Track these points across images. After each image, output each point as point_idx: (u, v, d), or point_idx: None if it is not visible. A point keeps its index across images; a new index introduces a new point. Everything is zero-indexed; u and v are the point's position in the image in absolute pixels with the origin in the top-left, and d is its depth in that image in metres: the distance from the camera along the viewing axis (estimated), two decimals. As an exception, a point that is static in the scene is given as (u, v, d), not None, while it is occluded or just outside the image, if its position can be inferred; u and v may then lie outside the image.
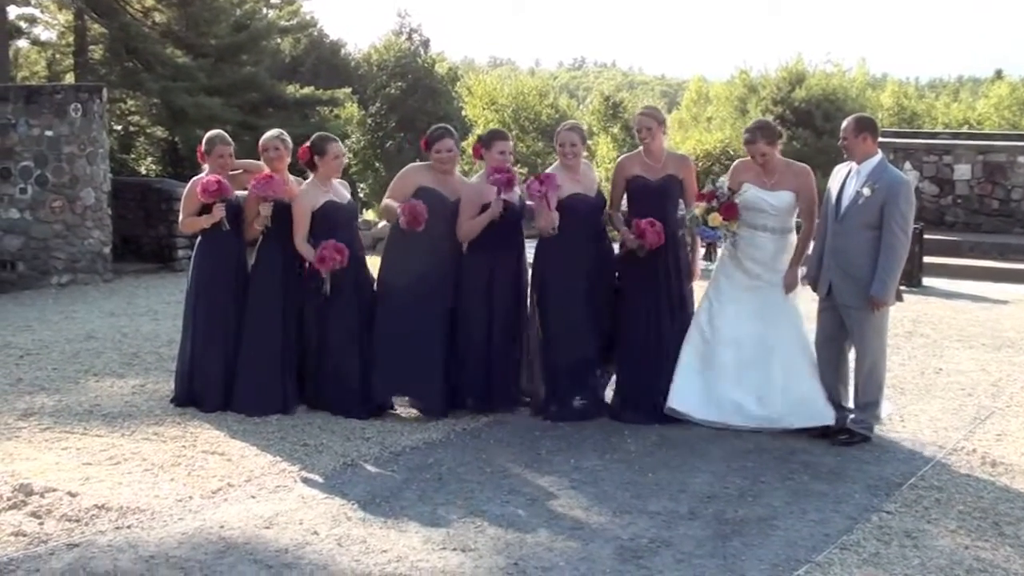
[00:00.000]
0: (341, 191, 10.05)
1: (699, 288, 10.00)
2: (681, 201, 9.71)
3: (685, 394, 9.54)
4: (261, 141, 10.11)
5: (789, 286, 9.40)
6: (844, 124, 9.14)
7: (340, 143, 10.14)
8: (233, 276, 10.08)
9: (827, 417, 9.20)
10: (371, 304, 9.93)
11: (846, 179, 9.05)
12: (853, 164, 9.06)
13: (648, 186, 9.71)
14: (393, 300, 9.84)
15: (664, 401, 9.58)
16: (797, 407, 9.27)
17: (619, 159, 10.27)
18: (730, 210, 9.29)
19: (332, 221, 9.75)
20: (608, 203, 9.99)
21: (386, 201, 9.94)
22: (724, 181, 9.49)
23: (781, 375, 9.34)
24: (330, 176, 9.93)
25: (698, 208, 9.40)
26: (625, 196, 9.94)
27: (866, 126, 9.09)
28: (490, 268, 9.76)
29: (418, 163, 10.19)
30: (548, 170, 9.99)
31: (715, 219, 9.30)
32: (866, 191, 8.82)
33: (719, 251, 9.67)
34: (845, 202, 8.97)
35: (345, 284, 9.74)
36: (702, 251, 9.95)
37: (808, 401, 9.25)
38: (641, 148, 9.86)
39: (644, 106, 10.59)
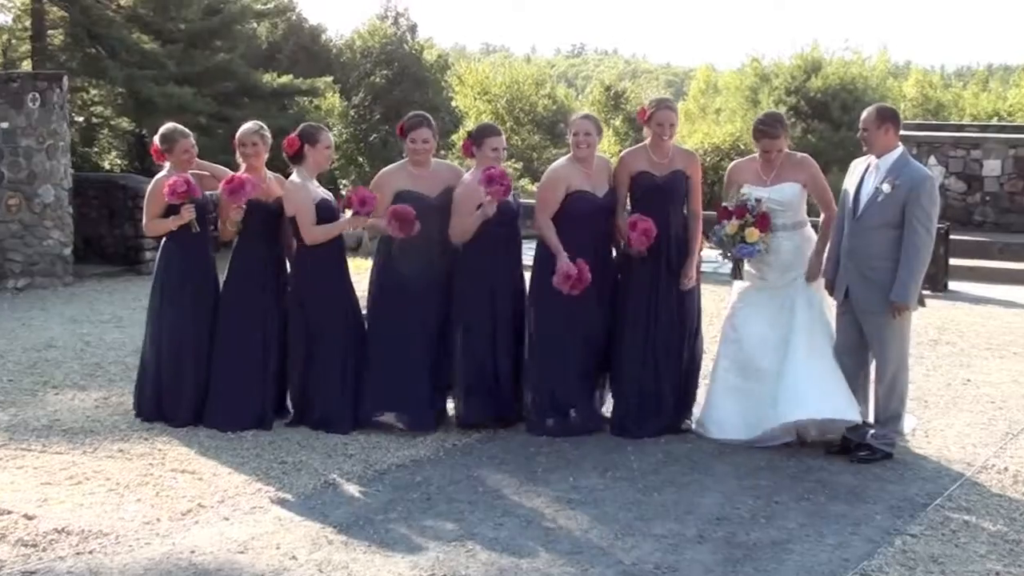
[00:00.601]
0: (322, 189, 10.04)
1: (709, 293, 9.99)
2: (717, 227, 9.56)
3: (722, 418, 9.63)
4: (238, 135, 10.06)
5: (812, 275, 9.40)
6: (864, 114, 9.13)
7: (330, 133, 10.13)
8: (201, 279, 10.08)
9: (851, 413, 9.11)
10: (355, 311, 9.93)
11: (864, 174, 9.05)
12: (872, 158, 9.05)
13: (654, 183, 9.70)
14: (384, 310, 9.86)
15: (670, 413, 9.68)
16: (822, 399, 9.20)
17: (621, 154, 10.26)
18: (764, 221, 9.29)
19: (323, 222, 9.74)
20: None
21: (370, 220, 9.91)
22: (750, 191, 9.47)
23: (806, 374, 9.27)
24: (320, 167, 9.94)
25: (730, 226, 9.35)
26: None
27: (888, 116, 9.09)
28: (489, 274, 9.78)
29: (390, 166, 10.14)
30: (556, 163, 9.99)
31: (752, 234, 9.27)
32: (886, 187, 8.81)
33: (745, 266, 9.62)
34: (863, 199, 8.96)
35: (326, 290, 9.75)
36: (717, 261, 9.85)
37: (832, 395, 9.17)
38: (647, 142, 9.83)
39: (662, 98, 10.49)
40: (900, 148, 9.03)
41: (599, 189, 9.78)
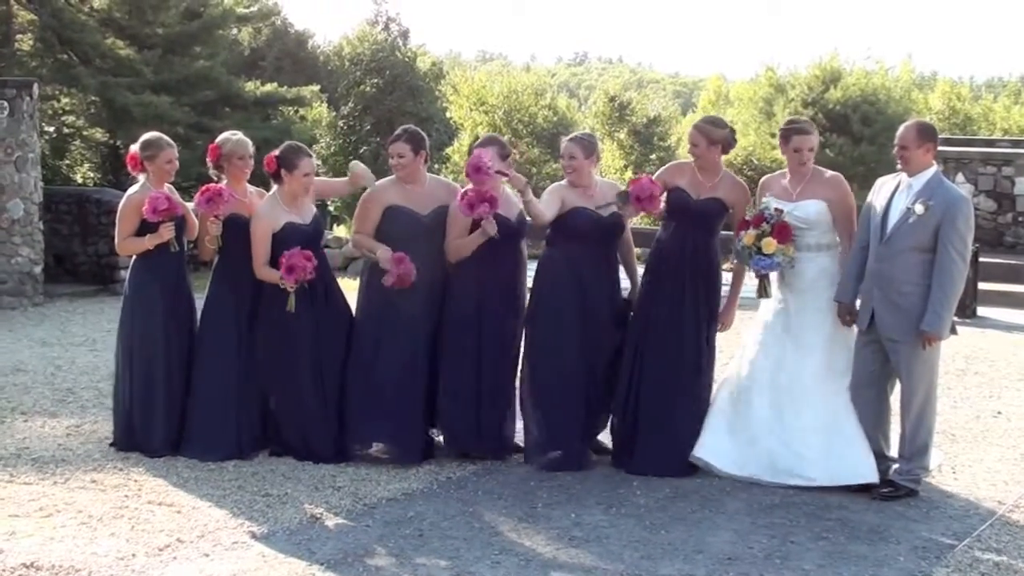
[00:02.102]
0: (308, 206, 10.05)
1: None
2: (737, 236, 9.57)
3: (714, 444, 9.61)
4: (228, 146, 10.06)
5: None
6: (902, 131, 9.10)
7: (312, 158, 10.09)
8: (174, 300, 10.11)
9: (868, 475, 9.17)
10: (344, 333, 9.97)
11: (894, 194, 9.04)
12: (902, 176, 9.06)
13: (686, 204, 9.71)
14: (370, 334, 9.89)
15: (677, 447, 9.64)
16: (833, 464, 9.26)
17: (668, 164, 10.28)
18: (784, 231, 9.27)
19: (288, 246, 9.67)
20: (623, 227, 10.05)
21: (358, 236, 9.93)
22: (770, 200, 9.50)
23: (816, 422, 9.32)
24: (296, 195, 9.90)
25: (747, 236, 9.34)
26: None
27: (930, 135, 9.08)
28: (480, 293, 9.80)
29: (382, 180, 10.14)
30: (556, 185, 10.01)
31: (769, 244, 9.25)
32: (919, 208, 8.79)
33: (772, 284, 9.60)
34: (892, 220, 8.95)
35: (312, 310, 9.77)
36: (748, 287, 9.83)
37: (845, 457, 9.24)
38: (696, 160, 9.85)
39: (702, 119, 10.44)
40: (934, 167, 9.03)
41: (604, 210, 9.83)
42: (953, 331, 9.09)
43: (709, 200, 9.72)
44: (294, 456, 9.80)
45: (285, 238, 9.70)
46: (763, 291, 9.56)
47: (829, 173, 9.64)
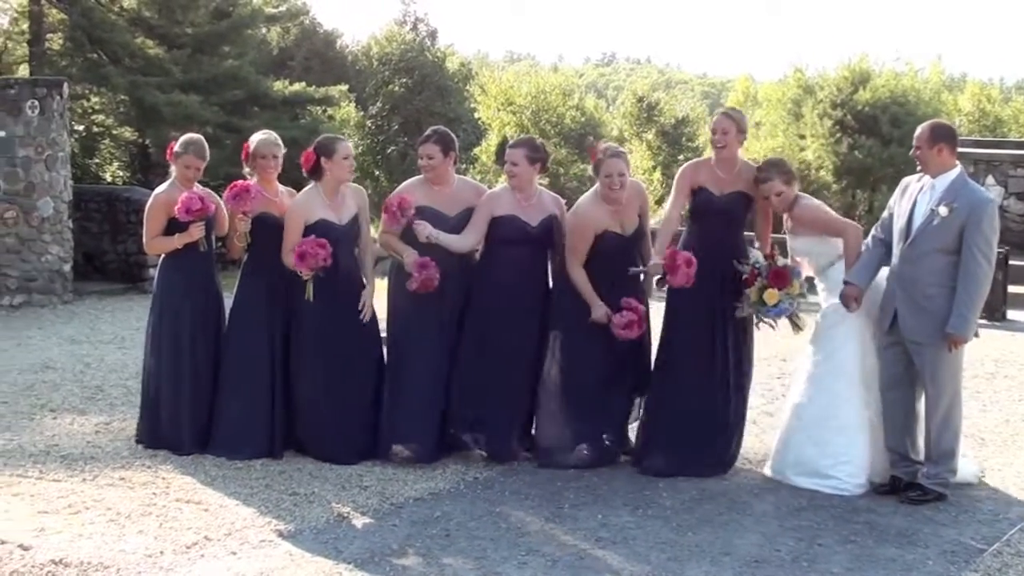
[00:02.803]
0: (349, 204, 10.00)
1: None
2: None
3: (793, 458, 9.58)
4: (255, 146, 10.09)
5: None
6: (918, 132, 9.10)
7: (349, 143, 10.13)
8: (203, 299, 10.17)
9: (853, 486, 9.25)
10: (374, 334, 10.00)
11: (918, 195, 9.01)
12: (926, 178, 9.03)
13: (712, 202, 9.70)
14: (400, 336, 9.93)
15: (713, 455, 9.70)
16: (832, 465, 9.34)
17: (687, 164, 10.27)
18: (780, 277, 9.30)
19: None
20: (646, 233, 10.03)
21: (385, 236, 9.93)
22: (756, 252, 9.56)
23: (831, 420, 9.38)
24: (340, 181, 9.87)
25: (751, 293, 9.38)
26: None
27: (943, 135, 9.04)
28: (507, 297, 9.81)
29: (410, 180, 10.16)
30: (585, 202, 9.94)
31: (772, 296, 9.29)
32: (943, 210, 8.76)
33: (798, 319, 9.54)
34: (916, 222, 8.91)
35: (343, 309, 9.79)
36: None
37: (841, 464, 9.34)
38: (712, 156, 9.87)
39: (726, 109, 10.50)
40: (958, 168, 8.99)
41: (628, 227, 9.80)
42: (975, 334, 9.05)
43: (733, 195, 9.73)
44: (317, 458, 9.82)
45: (317, 233, 9.67)
46: (796, 326, 9.57)
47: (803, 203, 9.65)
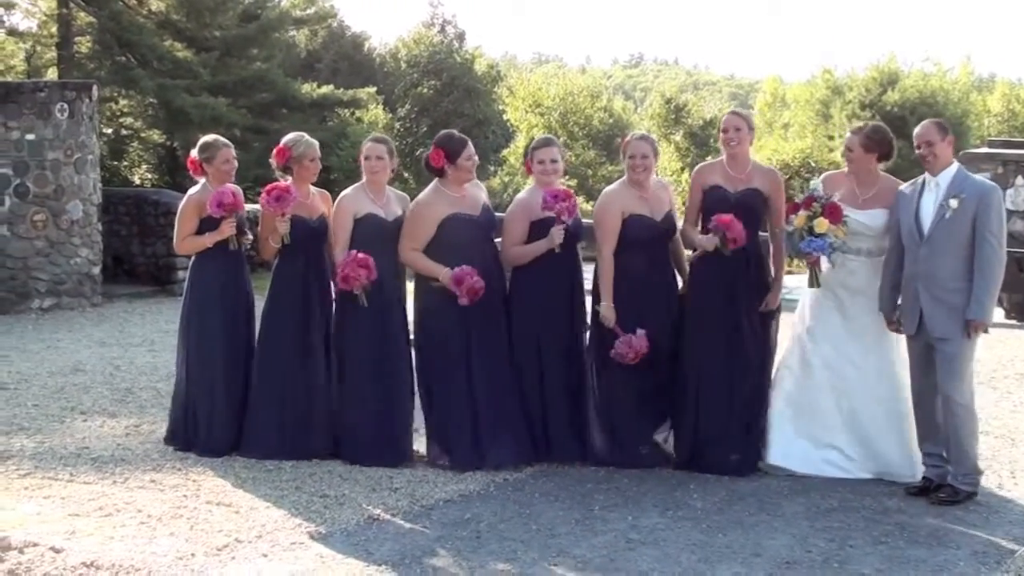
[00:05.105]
0: (394, 205, 10.03)
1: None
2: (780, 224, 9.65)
3: (783, 447, 9.68)
4: (301, 147, 10.07)
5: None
6: (924, 131, 9.14)
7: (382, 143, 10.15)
8: (234, 299, 10.21)
9: (906, 472, 9.40)
10: (405, 340, 10.06)
11: (921, 196, 9.05)
12: (925, 178, 9.07)
13: (727, 198, 9.73)
14: (429, 341, 9.96)
15: (738, 450, 9.67)
16: (905, 458, 9.47)
17: (697, 167, 10.31)
18: (835, 211, 9.24)
19: (364, 237, 9.78)
20: (679, 223, 10.06)
21: (413, 255, 9.85)
22: (818, 183, 9.55)
23: (869, 418, 9.50)
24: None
25: (798, 219, 9.31)
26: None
27: (948, 128, 9.23)
28: (543, 302, 9.85)
29: (427, 192, 10.09)
30: (610, 187, 10.05)
31: (821, 224, 9.22)
32: (953, 203, 8.82)
33: (823, 269, 9.52)
34: (927, 220, 8.96)
35: (377, 313, 9.82)
36: (796, 277, 9.81)
37: (887, 454, 9.51)
38: (724, 156, 9.92)
39: (735, 107, 10.61)
40: (955, 163, 9.09)
41: (657, 213, 9.83)
42: (985, 329, 9.06)
43: (747, 191, 9.78)
44: (347, 461, 9.84)
45: (366, 226, 9.80)
46: (814, 280, 9.55)
47: (896, 180, 9.64)
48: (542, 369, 9.88)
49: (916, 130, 9.22)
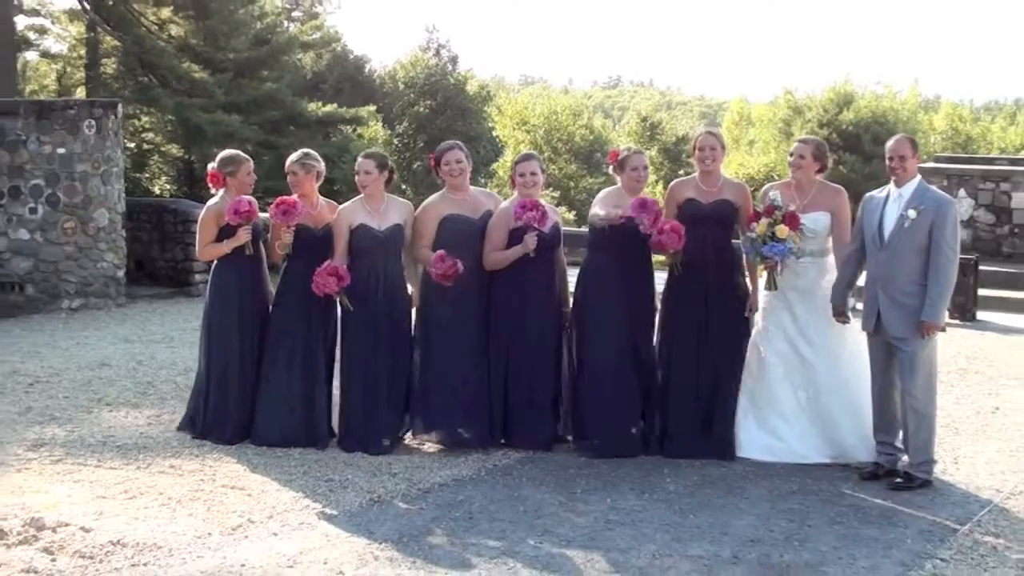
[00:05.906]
0: (392, 214, 10.04)
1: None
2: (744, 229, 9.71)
3: (747, 440, 9.78)
4: (306, 163, 10.12)
5: (837, 308, 9.44)
6: (893, 144, 9.17)
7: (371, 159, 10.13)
8: (250, 300, 10.21)
9: (861, 456, 9.49)
10: (404, 335, 10.07)
11: (885, 204, 9.09)
12: (891, 188, 9.11)
13: (700, 210, 9.77)
14: (428, 332, 10.01)
15: (709, 434, 9.80)
16: (833, 443, 9.64)
17: (671, 184, 10.35)
18: (794, 219, 9.35)
19: (357, 245, 9.86)
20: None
21: (425, 252, 9.93)
22: (777, 194, 9.58)
23: (824, 406, 9.58)
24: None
25: (760, 226, 9.40)
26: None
27: (917, 144, 9.32)
28: (521, 301, 9.85)
29: (434, 195, 10.21)
30: (602, 193, 10.10)
31: (782, 231, 9.31)
32: (912, 213, 8.88)
33: (779, 275, 9.58)
34: (888, 227, 9.01)
35: (375, 313, 9.84)
36: (762, 280, 9.85)
37: (843, 439, 9.62)
38: (696, 173, 9.96)
39: (707, 127, 10.68)
40: (918, 177, 9.15)
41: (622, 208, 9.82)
42: (943, 328, 9.10)
43: (719, 202, 9.84)
44: (343, 448, 9.87)
45: (358, 236, 9.87)
46: (772, 284, 9.62)
47: (834, 186, 9.76)
48: (508, 360, 9.89)
49: (889, 143, 9.28)
